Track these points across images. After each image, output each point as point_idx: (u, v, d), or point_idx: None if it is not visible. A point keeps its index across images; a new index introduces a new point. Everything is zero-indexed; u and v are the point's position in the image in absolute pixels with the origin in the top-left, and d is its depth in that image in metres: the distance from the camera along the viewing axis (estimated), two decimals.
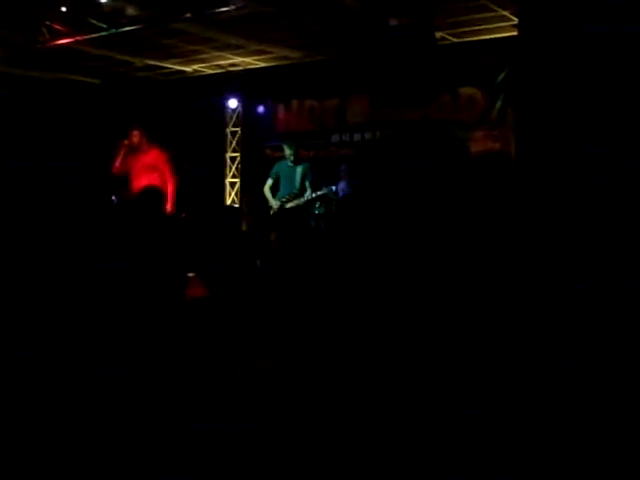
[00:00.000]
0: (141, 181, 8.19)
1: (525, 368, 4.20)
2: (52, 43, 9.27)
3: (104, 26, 8.67)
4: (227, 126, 12.56)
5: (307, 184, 8.87)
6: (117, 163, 8.35)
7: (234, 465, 3.19)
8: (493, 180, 7.14)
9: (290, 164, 8.91)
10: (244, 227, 11.75)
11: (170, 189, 8.18)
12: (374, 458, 3.25)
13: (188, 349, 5.10)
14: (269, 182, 9.08)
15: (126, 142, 8.29)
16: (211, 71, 11.95)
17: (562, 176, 4.87)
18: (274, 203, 8.95)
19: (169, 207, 8.10)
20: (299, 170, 8.87)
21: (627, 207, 4.55)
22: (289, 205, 8.86)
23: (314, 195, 8.88)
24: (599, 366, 4.04)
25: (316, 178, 9.05)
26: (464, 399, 3.92)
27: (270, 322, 6.19)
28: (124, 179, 8.50)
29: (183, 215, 9.47)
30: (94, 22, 8.66)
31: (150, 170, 8.24)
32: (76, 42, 9.41)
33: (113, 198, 9.88)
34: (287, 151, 8.94)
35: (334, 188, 9.10)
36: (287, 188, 8.89)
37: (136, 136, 8.33)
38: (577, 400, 3.73)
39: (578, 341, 4.26)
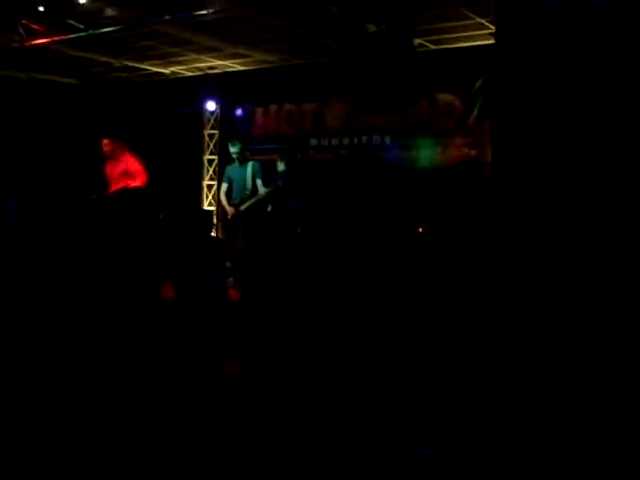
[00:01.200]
0: (119, 186, 8.50)
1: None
2: (29, 43, 9.19)
3: (82, 27, 8.61)
4: (205, 128, 12.52)
5: (259, 183, 8.67)
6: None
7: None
8: (468, 187, 7.16)
9: (237, 164, 8.79)
10: (219, 230, 11.72)
11: (133, 184, 8.37)
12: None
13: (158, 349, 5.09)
14: (224, 187, 8.94)
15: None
16: (189, 73, 11.90)
17: (538, 184, 4.90)
18: (229, 209, 8.82)
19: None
20: (249, 170, 8.69)
21: (602, 216, 4.59)
22: (243, 207, 8.69)
23: (265, 191, 8.67)
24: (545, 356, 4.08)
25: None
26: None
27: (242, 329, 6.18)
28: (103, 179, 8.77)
29: (161, 215, 9.52)
30: (72, 22, 8.59)
31: (126, 176, 8.50)
32: (53, 42, 9.33)
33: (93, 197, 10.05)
34: (231, 149, 8.77)
35: (280, 182, 8.80)
36: (239, 190, 8.74)
37: (106, 145, 8.59)
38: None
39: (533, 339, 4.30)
